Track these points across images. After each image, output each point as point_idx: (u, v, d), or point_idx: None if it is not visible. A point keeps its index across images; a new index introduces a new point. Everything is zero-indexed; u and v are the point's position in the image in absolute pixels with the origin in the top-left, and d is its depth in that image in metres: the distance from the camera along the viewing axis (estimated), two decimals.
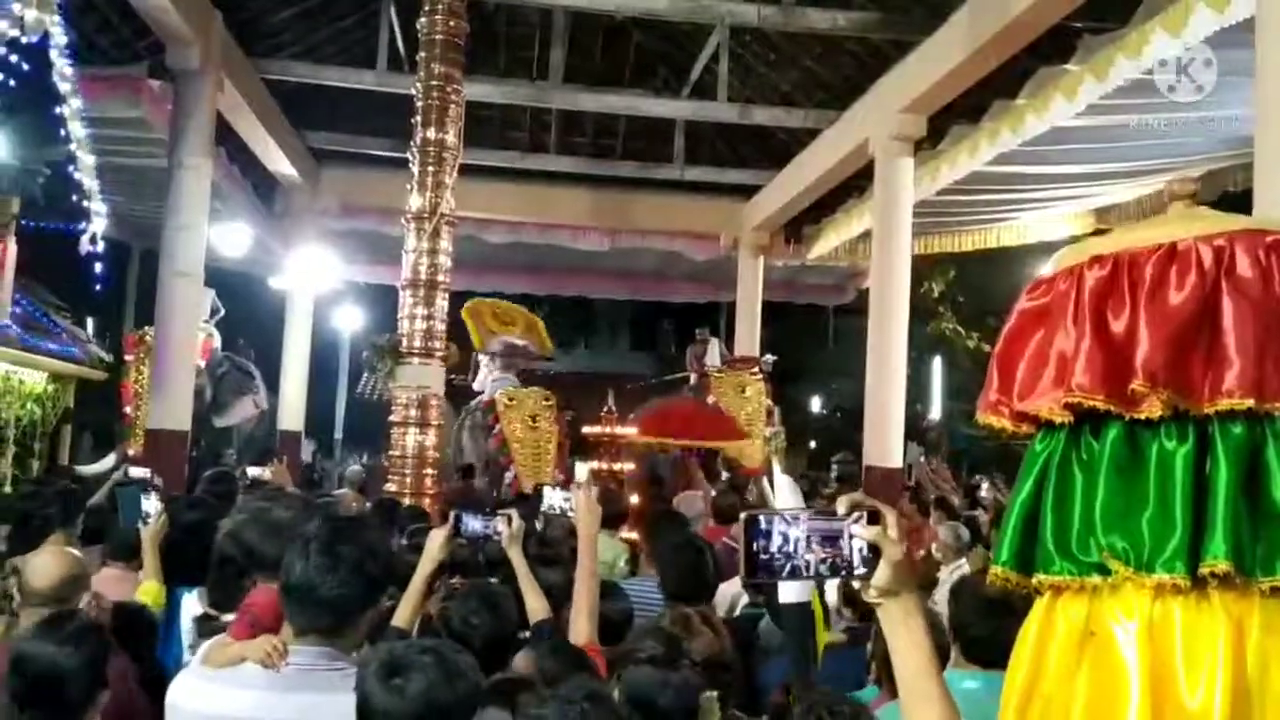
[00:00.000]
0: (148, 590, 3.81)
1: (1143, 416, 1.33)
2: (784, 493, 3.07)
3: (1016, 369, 1.46)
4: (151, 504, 4.08)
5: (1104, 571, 1.33)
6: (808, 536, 1.33)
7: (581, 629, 2.88)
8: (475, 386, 11.74)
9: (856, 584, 1.36)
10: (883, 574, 1.35)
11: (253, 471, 7.39)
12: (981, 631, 2.66)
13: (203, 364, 11.47)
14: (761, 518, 1.34)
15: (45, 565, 3.09)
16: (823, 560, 1.34)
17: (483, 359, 11.61)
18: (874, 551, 1.35)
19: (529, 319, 11.08)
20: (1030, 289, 1.49)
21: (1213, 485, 1.29)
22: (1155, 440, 1.34)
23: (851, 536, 1.34)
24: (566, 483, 9.64)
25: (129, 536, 4.18)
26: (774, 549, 1.33)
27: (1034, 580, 1.39)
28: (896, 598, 1.36)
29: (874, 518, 1.35)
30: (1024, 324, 1.47)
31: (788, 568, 1.34)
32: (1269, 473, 1.30)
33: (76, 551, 3.49)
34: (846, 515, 1.35)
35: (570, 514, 3.19)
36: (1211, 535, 1.27)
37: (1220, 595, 1.27)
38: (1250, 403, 1.28)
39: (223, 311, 12.39)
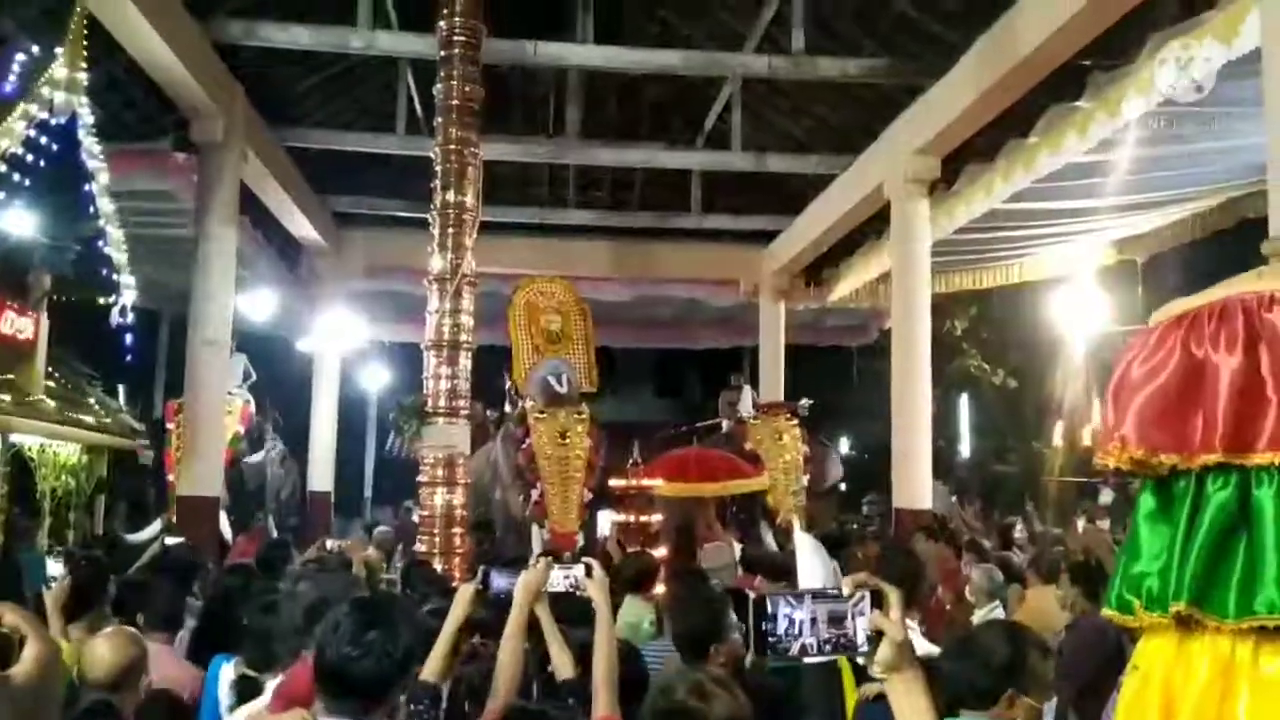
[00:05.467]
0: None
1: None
2: (805, 553, 3.07)
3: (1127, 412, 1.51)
4: (57, 567, 4.10)
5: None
6: (813, 619, 1.38)
7: (601, 701, 2.91)
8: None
9: (861, 660, 1.41)
10: (885, 652, 1.40)
11: (330, 543, 7.47)
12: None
13: (242, 430, 11.60)
14: (769, 601, 1.40)
15: (102, 653, 3.06)
16: (828, 641, 1.40)
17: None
18: (878, 630, 1.40)
19: (583, 327, 10.56)
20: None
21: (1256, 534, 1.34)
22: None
23: (857, 616, 1.39)
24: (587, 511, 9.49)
25: (164, 608, 4.23)
26: (780, 632, 1.38)
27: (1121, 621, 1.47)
28: (900, 673, 1.42)
29: (878, 597, 1.40)
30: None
31: (795, 648, 1.40)
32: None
33: (133, 632, 3.49)
34: (851, 596, 1.41)
35: (578, 592, 3.15)
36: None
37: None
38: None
39: (254, 377, 12.53)
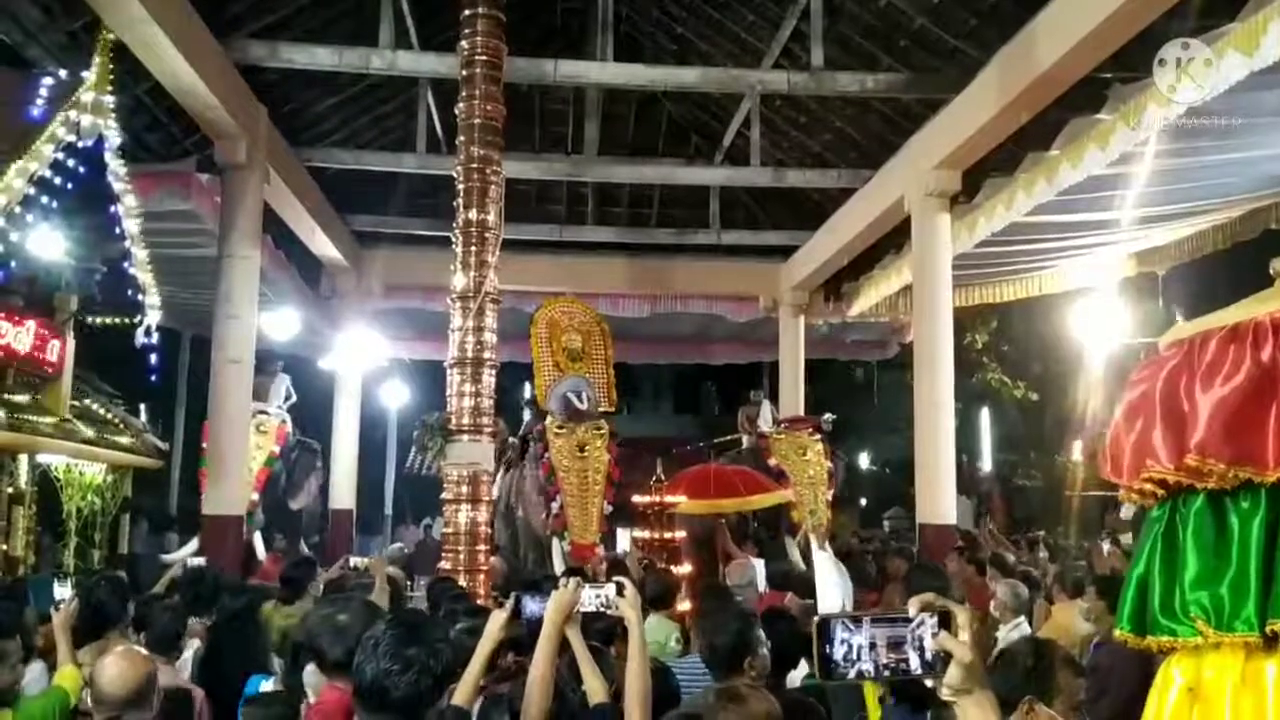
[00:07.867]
0: (66, 676, 3.73)
1: (1213, 487, 1.40)
2: (824, 569, 3.05)
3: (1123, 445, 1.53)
4: (65, 590, 4.10)
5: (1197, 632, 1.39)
6: (872, 644, 1.36)
7: None
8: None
9: (929, 682, 1.39)
10: (955, 674, 1.38)
11: (354, 561, 7.49)
12: None
13: (278, 449, 11.63)
14: (830, 624, 1.38)
15: (116, 672, 3.03)
16: (887, 666, 1.38)
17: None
18: (945, 652, 1.38)
19: (603, 348, 10.67)
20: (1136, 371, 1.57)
21: None
22: (1234, 509, 1.40)
23: (920, 639, 1.37)
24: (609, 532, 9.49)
25: (167, 630, 4.27)
26: (839, 657, 1.36)
27: (1145, 642, 1.46)
28: (970, 695, 1.39)
29: (944, 616, 1.38)
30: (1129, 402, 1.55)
31: (853, 672, 1.39)
32: None
33: (143, 651, 3.49)
34: (916, 617, 1.38)
35: (609, 611, 3.06)
36: (1275, 596, 1.32)
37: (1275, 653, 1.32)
38: None
39: (294, 398, 12.54)
